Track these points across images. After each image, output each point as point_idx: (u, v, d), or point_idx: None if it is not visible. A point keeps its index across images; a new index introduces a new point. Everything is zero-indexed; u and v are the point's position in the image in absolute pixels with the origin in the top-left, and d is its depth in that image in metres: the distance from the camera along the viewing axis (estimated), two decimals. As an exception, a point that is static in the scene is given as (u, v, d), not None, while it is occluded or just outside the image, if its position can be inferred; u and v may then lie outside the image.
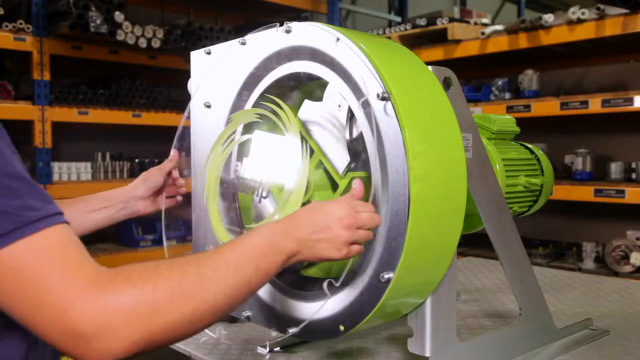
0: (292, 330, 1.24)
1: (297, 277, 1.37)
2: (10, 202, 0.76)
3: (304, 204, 1.18)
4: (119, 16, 4.17)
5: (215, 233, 1.34)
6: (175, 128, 1.43)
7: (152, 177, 1.39)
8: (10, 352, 0.89)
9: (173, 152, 1.44)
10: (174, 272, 0.81)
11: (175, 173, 1.43)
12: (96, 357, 0.75)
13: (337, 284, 1.07)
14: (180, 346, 1.50)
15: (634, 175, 3.74)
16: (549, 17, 3.79)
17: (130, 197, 1.37)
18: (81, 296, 0.74)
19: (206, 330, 1.60)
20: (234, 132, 1.33)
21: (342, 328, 1.15)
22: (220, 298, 0.84)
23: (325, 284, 1.08)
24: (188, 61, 1.54)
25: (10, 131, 0.89)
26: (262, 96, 1.33)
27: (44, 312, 0.74)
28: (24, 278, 0.74)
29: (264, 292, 1.34)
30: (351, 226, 0.99)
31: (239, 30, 4.90)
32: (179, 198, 1.44)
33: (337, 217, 0.98)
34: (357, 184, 1.06)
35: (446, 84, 1.19)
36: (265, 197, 1.33)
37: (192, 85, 1.53)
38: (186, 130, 1.47)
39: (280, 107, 1.25)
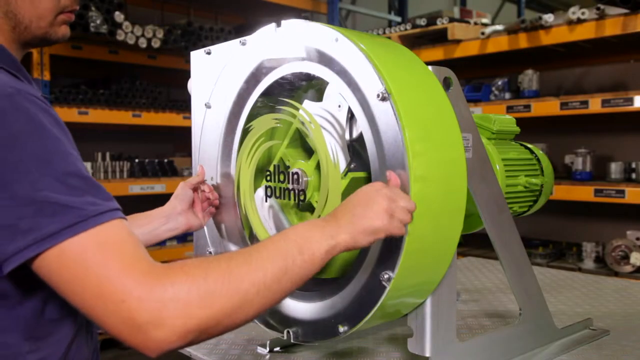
0: (292, 331, 1.25)
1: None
2: (74, 199, 0.81)
3: None
4: (118, 16, 4.17)
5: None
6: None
7: (183, 190, 1.39)
8: (56, 348, 0.95)
9: (200, 168, 1.44)
10: (222, 260, 0.85)
11: (205, 187, 1.42)
12: (153, 346, 0.78)
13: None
14: (180, 346, 1.50)
15: (634, 175, 3.74)
16: (549, 17, 3.79)
17: (171, 212, 1.36)
18: (138, 287, 0.78)
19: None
20: (258, 139, 1.32)
21: (341, 328, 1.15)
22: (269, 281, 0.86)
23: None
24: (188, 61, 1.54)
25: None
26: (263, 97, 1.33)
27: (104, 301, 0.78)
28: (86, 269, 0.79)
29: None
30: (390, 198, 0.98)
31: (239, 30, 4.90)
32: (212, 210, 1.44)
33: (374, 189, 0.99)
34: (392, 176, 1.05)
35: (446, 84, 1.19)
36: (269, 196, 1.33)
37: (192, 85, 1.53)
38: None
39: (298, 110, 1.24)
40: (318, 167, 1.25)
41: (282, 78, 1.28)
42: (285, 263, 0.89)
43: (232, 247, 1.40)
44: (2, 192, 0.79)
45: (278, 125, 1.30)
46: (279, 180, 1.30)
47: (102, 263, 0.79)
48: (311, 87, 1.38)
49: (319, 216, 1.21)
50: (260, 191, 1.36)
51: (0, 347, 0.90)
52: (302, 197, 1.26)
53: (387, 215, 0.97)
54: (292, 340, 1.26)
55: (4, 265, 0.80)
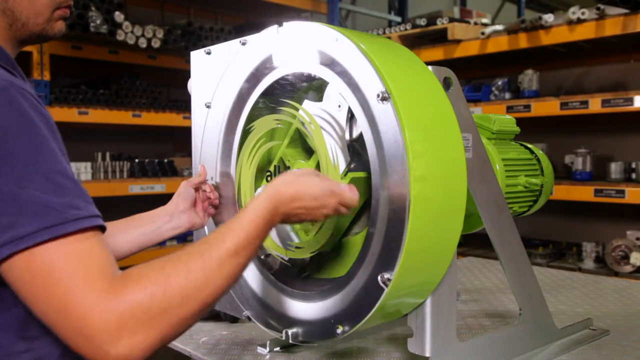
0: (291, 332, 1.25)
1: (296, 278, 1.37)
2: (56, 199, 0.80)
3: None
4: (118, 16, 4.17)
5: (265, 246, 1.33)
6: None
7: (185, 189, 1.39)
8: (53, 348, 0.93)
9: (201, 168, 1.44)
10: (180, 270, 0.84)
11: (206, 186, 1.42)
12: None
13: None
14: (180, 346, 1.50)
15: (634, 175, 3.74)
16: (549, 17, 3.79)
17: (174, 210, 1.36)
18: (100, 303, 0.77)
19: (206, 330, 1.60)
20: (258, 140, 1.32)
21: (341, 329, 1.15)
22: (225, 284, 0.88)
23: None
24: (188, 61, 1.54)
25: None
26: (264, 97, 1.33)
27: (66, 316, 0.78)
28: (51, 278, 0.78)
29: (264, 292, 1.34)
30: (332, 213, 1.07)
31: (239, 30, 4.90)
32: (212, 210, 1.44)
33: (321, 204, 1.05)
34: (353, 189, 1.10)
35: (446, 84, 1.19)
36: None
37: (192, 85, 1.53)
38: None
39: (298, 111, 1.24)
40: (318, 167, 1.25)
41: (283, 78, 1.28)
42: (243, 264, 0.91)
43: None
44: None
45: (279, 125, 1.30)
46: None
47: (69, 274, 0.78)
48: (311, 87, 1.38)
49: None
50: (260, 191, 1.36)
51: None
52: None
53: (327, 215, 1.07)
54: (290, 341, 1.26)
55: None
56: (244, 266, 0.92)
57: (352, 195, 1.08)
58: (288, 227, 1.35)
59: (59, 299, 0.77)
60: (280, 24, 1.26)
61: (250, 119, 1.34)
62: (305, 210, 1.04)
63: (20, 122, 0.82)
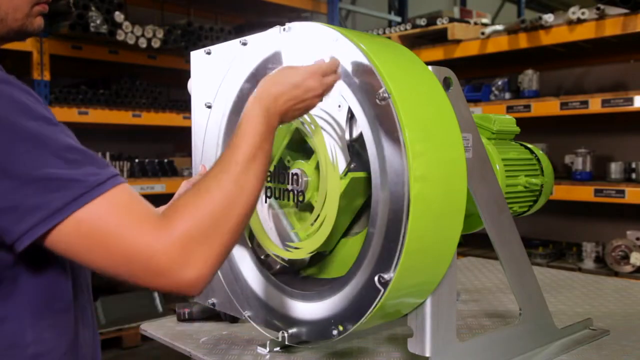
0: (289, 333, 1.25)
1: (296, 278, 1.37)
2: (74, 171, 0.84)
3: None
4: (119, 16, 4.17)
5: (262, 244, 1.33)
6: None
7: (185, 189, 1.39)
8: (61, 340, 0.97)
9: (202, 168, 1.44)
10: (213, 189, 0.90)
11: None
12: (191, 283, 0.85)
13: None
14: (180, 346, 1.50)
15: (634, 175, 3.74)
16: (549, 17, 3.79)
17: None
18: (158, 239, 0.83)
19: (206, 330, 1.60)
20: None
21: (341, 328, 1.15)
22: (252, 189, 0.93)
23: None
24: (188, 61, 1.54)
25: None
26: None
27: (132, 261, 0.83)
28: (106, 234, 0.83)
29: (264, 292, 1.34)
30: (321, 95, 1.10)
31: (239, 30, 4.89)
32: None
33: (309, 87, 1.07)
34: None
35: (446, 84, 1.19)
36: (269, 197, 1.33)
37: (192, 85, 1.53)
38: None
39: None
40: (318, 167, 1.25)
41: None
42: (260, 167, 0.96)
43: (232, 247, 1.40)
44: (1, 175, 0.80)
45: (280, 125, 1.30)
46: (278, 181, 1.30)
47: (120, 225, 0.83)
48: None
49: (318, 217, 1.21)
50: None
51: (3, 337, 0.91)
52: (300, 198, 1.26)
53: (320, 96, 1.10)
54: (287, 342, 1.26)
55: (17, 245, 0.82)
56: (263, 164, 0.96)
57: (330, 63, 1.11)
58: (288, 227, 1.35)
59: (119, 249, 0.83)
60: (281, 24, 1.26)
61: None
62: (294, 101, 1.06)
63: (14, 108, 0.84)
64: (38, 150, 0.82)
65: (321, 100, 1.11)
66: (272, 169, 1.33)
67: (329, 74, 1.10)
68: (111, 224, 0.83)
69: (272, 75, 1.08)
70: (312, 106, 1.10)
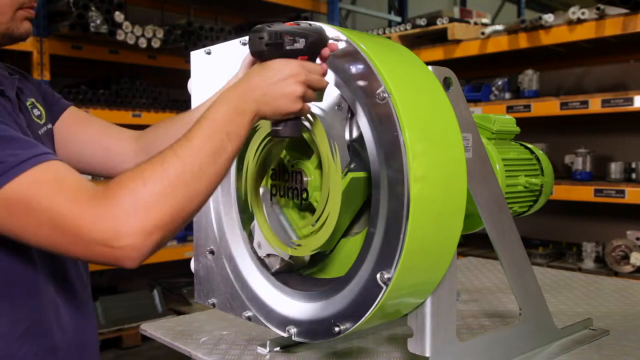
0: (292, 331, 1.25)
1: (296, 277, 1.37)
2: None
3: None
4: (119, 16, 4.17)
5: (268, 243, 1.33)
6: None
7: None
8: (8, 330, 1.00)
9: None
10: (155, 164, 0.89)
11: None
12: (126, 255, 0.84)
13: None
14: (180, 346, 1.50)
15: (634, 175, 3.74)
16: (549, 17, 3.79)
17: None
18: (89, 210, 0.83)
19: (207, 330, 1.60)
20: (264, 139, 1.32)
21: (341, 328, 1.15)
22: (205, 166, 0.91)
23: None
24: (188, 61, 1.54)
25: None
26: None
27: (63, 234, 0.84)
28: (34, 209, 0.84)
29: (264, 292, 1.34)
30: (303, 83, 1.04)
31: (239, 30, 4.90)
32: None
33: (290, 74, 1.03)
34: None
35: (446, 84, 1.19)
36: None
37: (192, 85, 1.53)
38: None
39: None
40: (319, 166, 1.25)
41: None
42: (217, 147, 0.93)
43: (232, 247, 1.40)
44: None
45: None
46: (282, 179, 1.31)
47: (48, 199, 0.84)
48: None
49: (319, 217, 1.21)
50: (261, 190, 1.37)
51: None
52: (304, 196, 1.26)
53: (300, 101, 1.05)
54: (294, 338, 1.26)
55: None
56: (222, 147, 0.94)
57: (318, 65, 1.08)
58: (287, 224, 1.35)
59: (48, 220, 0.84)
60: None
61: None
62: (271, 87, 1.02)
63: None
64: None
65: (304, 98, 1.06)
66: (274, 167, 1.33)
67: (315, 73, 1.07)
68: (39, 198, 0.84)
69: (256, 66, 1.07)
70: (294, 96, 1.04)
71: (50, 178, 0.86)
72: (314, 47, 1.09)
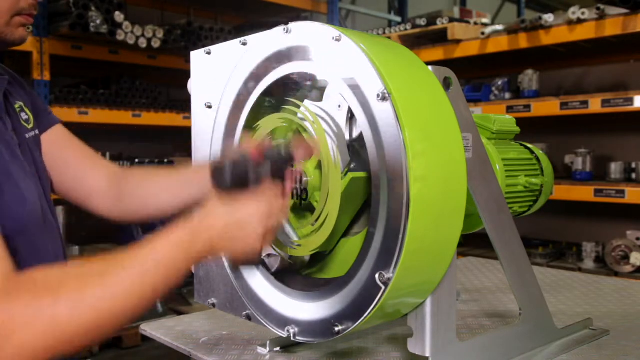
0: (291, 331, 1.25)
1: (296, 277, 1.37)
2: None
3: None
4: (119, 16, 4.17)
5: None
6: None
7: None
8: None
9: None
10: (80, 283, 0.82)
11: None
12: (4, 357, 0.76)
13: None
14: (180, 346, 1.50)
15: (634, 175, 3.75)
16: (549, 17, 3.79)
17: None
18: None
19: (207, 330, 1.60)
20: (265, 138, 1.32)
21: (341, 328, 1.15)
22: (121, 310, 0.86)
23: None
24: (188, 61, 1.54)
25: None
26: (265, 97, 1.33)
27: None
28: None
29: (264, 292, 1.34)
30: (267, 223, 1.03)
31: (239, 30, 4.90)
32: None
33: (254, 216, 1.01)
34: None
35: (446, 84, 1.19)
36: None
37: (192, 85, 1.53)
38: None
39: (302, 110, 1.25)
40: (319, 166, 1.25)
41: (283, 78, 1.28)
42: (147, 291, 0.88)
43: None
44: None
45: (284, 124, 1.30)
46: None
47: None
48: (315, 86, 1.37)
49: (318, 217, 1.21)
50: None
51: None
52: (304, 196, 1.26)
53: (260, 241, 1.02)
54: (292, 338, 1.26)
55: None
56: (153, 291, 0.89)
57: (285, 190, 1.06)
58: (286, 224, 1.35)
59: None
60: (282, 24, 1.26)
61: (252, 118, 1.34)
62: (238, 232, 0.99)
63: None
64: None
65: (264, 239, 1.03)
66: None
67: (279, 211, 1.04)
68: None
69: (217, 200, 1.02)
70: (252, 240, 1.01)
71: None
72: (278, 170, 1.10)
